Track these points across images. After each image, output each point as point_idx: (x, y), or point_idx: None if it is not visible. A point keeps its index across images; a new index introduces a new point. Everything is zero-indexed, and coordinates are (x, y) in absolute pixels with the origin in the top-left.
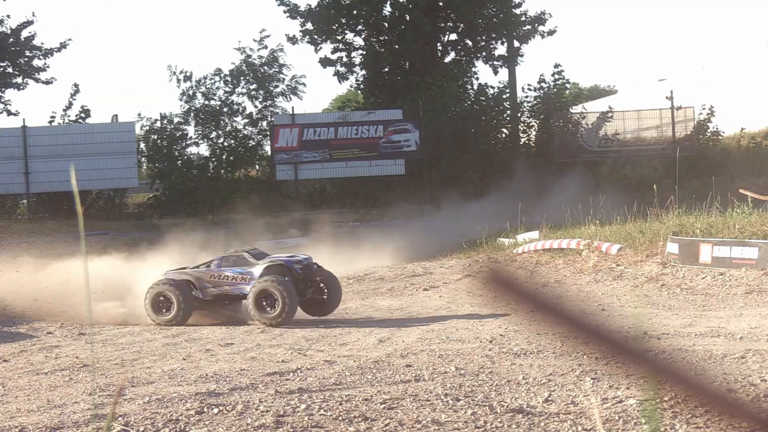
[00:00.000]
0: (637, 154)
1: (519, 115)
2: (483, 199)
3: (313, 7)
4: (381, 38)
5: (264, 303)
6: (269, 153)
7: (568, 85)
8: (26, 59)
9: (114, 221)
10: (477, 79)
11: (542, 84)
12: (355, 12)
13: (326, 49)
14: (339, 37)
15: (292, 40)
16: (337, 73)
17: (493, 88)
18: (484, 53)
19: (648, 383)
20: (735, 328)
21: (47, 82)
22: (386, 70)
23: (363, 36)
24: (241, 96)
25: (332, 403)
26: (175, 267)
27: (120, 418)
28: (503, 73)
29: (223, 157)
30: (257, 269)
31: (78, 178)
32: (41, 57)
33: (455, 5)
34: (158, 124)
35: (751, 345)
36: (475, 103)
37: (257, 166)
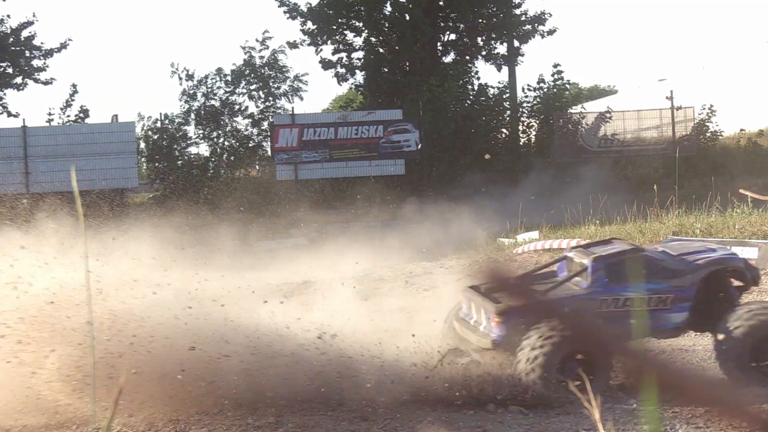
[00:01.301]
0: (637, 154)
1: (519, 115)
2: (483, 199)
3: (313, 6)
4: (381, 38)
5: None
6: (269, 153)
7: (567, 86)
8: (26, 59)
9: (113, 221)
10: (478, 79)
11: (542, 84)
12: (354, 12)
13: (327, 50)
14: (339, 38)
15: (293, 45)
16: (337, 75)
17: (493, 88)
18: (484, 53)
19: (648, 384)
20: None
21: (47, 83)
22: (386, 70)
23: (363, 36)
24: (241, 96)
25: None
26: None
27: (120, 418)
28: (504, 73)
29: (224, 157)
30: (688, 279)
31: (78, 178)
32: (41, 57)
33: (455, 5)
34: (158, 123)
35: None
36: (475, 103)
37: (257, 167)
